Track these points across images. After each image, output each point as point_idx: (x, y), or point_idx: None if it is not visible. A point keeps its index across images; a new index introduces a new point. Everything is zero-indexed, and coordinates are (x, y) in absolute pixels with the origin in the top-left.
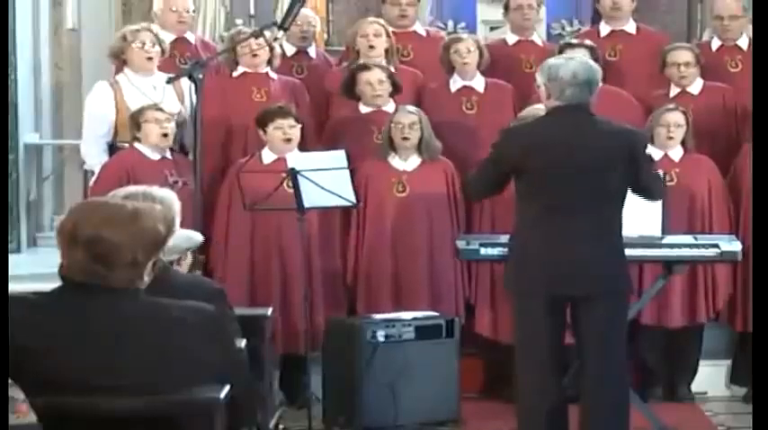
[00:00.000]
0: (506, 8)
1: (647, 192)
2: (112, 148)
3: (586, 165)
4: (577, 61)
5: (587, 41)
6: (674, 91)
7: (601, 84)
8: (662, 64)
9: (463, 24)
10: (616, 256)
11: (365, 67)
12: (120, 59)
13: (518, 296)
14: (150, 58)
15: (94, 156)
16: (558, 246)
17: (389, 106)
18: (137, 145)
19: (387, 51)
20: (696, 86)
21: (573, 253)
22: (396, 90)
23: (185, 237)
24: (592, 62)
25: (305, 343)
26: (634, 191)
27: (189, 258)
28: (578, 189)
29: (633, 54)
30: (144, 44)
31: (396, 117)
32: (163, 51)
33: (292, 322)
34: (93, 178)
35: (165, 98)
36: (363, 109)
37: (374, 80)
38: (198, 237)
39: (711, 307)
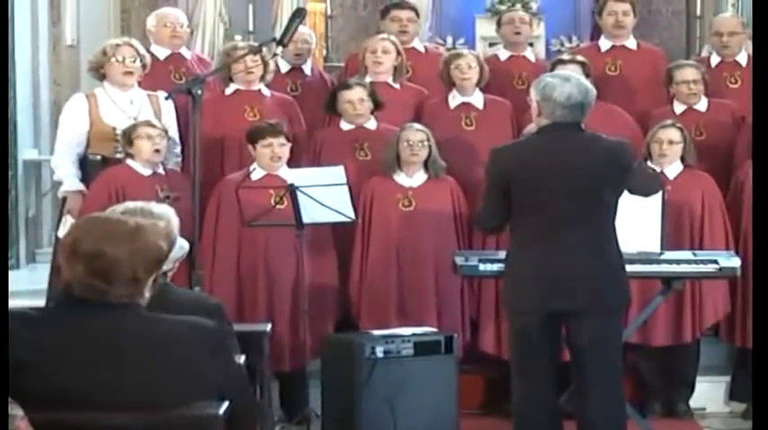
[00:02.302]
0: (499, 23)
1: (642, 191)
2: (84, 161)
3: (575, 181)
4: (573, 83)
5: (579, 57)
6: (679, 108)
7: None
8: (667, 81)
9: (462, 40)
10: (610, 271)
11: (346, 86)
12: (99, 73)
13: (513, 313)
14: (129, 73)
15: (63, 167)
16: (550, 262)
17: (370, 123)
18: (129, 161)
19: (395, 68)
20: (703, 103)
21: (565, 269)
22: (377, 107)
23: (178, 247)
24: (587, 84)
25: (291, 359)
26: (630, 191)
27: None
28: (568, 205)
29: (633, 69)
30: (124, 59)
31: (404, 134)
32: (144, 66)
33: (279, 338)
34: (86, 193)
35: (142, 113)
36: (345, 126)
37: (355, 99)
38: (186, 245)
39: (698, 326)
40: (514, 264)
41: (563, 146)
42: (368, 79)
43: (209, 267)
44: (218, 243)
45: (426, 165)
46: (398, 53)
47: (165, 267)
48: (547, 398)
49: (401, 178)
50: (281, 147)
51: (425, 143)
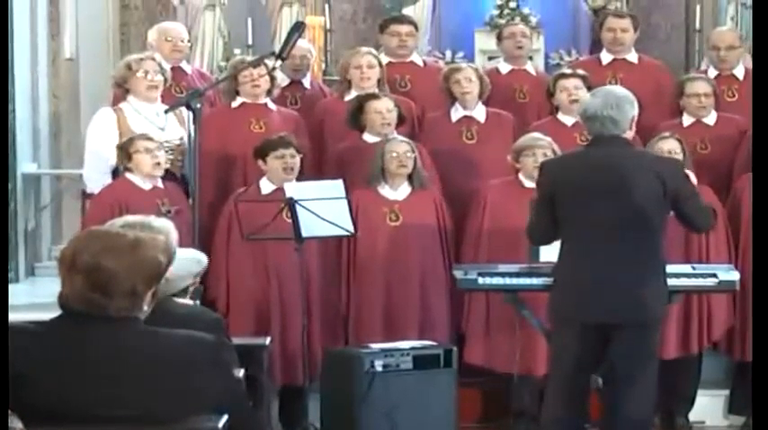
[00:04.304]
0: (499, 37)
1: (689, 222)
2: (116, 172)
3: (615, 195)
4: (598, 96)
5: (580, 71)
6: (688, 120)
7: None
8: (678, 94)
9: (461, 54)
10: (649, 286)
11: (374, 96)
12: (123, 88)
13: (556, 322)
14: (154, 87)
15: (96, 180)
16: (589, 274)
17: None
18: (128, 175)
19: (379, 81)
20: (711, 118)
21: (603, 281)
22: (400, 122)
23: (195, 260)
24: (620, 96)
25: (303, 373)
26: (678, 218)
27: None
28: (610, 218)
29: (634, 82)
30: (147, 73)
31: (389, 146)
32: (166, 80)
33: (290, 352)
34: (87, 209)
35: (168, 125)
36: (369, 139)
37: (383, 108)
38: (204, 258)
39: (706, 337)
40: (557, 274)
41: (604, 160)
42: (353, 93)
43: (222, 283)
44: (230, 258)
45: (411, 177)
46: (380, 65)
47: (185, 283)
48: (570, 409)
49: (386, 191)
50: (292, 158)
51: (410, 154)
